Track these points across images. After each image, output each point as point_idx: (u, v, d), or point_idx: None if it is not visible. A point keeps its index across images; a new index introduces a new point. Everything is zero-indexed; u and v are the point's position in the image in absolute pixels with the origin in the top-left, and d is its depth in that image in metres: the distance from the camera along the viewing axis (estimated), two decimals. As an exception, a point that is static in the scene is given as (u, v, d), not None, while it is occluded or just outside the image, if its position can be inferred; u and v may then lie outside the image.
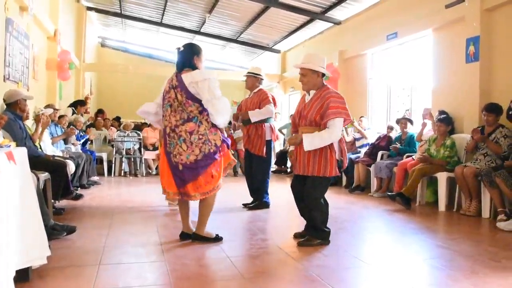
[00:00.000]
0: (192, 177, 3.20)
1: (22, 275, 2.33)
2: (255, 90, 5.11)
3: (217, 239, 3.41)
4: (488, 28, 5.31)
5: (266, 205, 5.08)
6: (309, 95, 3.46)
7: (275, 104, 5.07)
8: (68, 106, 8.34)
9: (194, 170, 3.19)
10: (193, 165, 3.18)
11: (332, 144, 3.32)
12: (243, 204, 5.13)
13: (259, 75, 5.12)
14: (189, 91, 3.17)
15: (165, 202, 5.02)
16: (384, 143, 6.71)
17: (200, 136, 3.18)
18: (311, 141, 3.25)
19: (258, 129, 4.99)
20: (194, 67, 3.27)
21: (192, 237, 3.40)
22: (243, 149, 5.59)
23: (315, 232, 3.38)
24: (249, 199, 5.20)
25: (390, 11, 7.25)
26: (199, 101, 3.19)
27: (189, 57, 3.30)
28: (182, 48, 3.35)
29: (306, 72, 3.39)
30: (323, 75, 3.43)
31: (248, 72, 5.17)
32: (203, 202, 3.34)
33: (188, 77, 3.19)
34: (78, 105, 8.44)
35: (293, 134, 3.52)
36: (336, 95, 3.34)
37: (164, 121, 3.34)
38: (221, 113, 3.17)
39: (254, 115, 4.93)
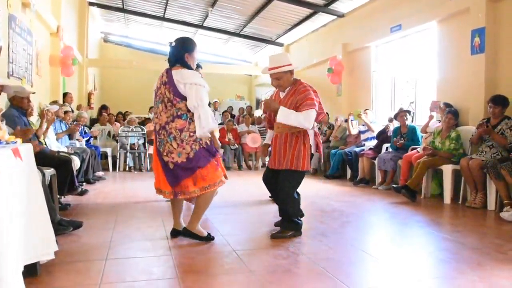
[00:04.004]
0: (186, 174, 3.07)
1: (31, 270, 2.35)
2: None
3: (208, 238, 3.25)
4: (494, 19, 5.26)
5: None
6: (283, 91, 3.49)
7: None
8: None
9: (188, 169, 3.06)
10: (187, 164, 3.05)
11: (307, 138, 3.38)
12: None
13: None
14: (177, 89, 3.07)
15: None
16: (386, 135, 6.74)
17: (191, 134, 3.06)
18: (287, 114, 3.26)
19: None
20: (185, 65, 3.15)
21: (182, 232, 3.29)
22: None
23: (287, 224, 3.43)
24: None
25: (394, 3, 7.19)
26: (186, 99, 3.07)
27: (181, 54, 3.16)
28: (174, 43, 3.21)
29: (280, 76, 3.40)
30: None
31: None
32: (201, 197, 3.18)
33: (177, 75, 3.08)
34: (65, 96, 8.19)
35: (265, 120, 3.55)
36: (311, 88, 3.39)
37: (155, 119, 3.24)
38: (202, 125, 3.02)
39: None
